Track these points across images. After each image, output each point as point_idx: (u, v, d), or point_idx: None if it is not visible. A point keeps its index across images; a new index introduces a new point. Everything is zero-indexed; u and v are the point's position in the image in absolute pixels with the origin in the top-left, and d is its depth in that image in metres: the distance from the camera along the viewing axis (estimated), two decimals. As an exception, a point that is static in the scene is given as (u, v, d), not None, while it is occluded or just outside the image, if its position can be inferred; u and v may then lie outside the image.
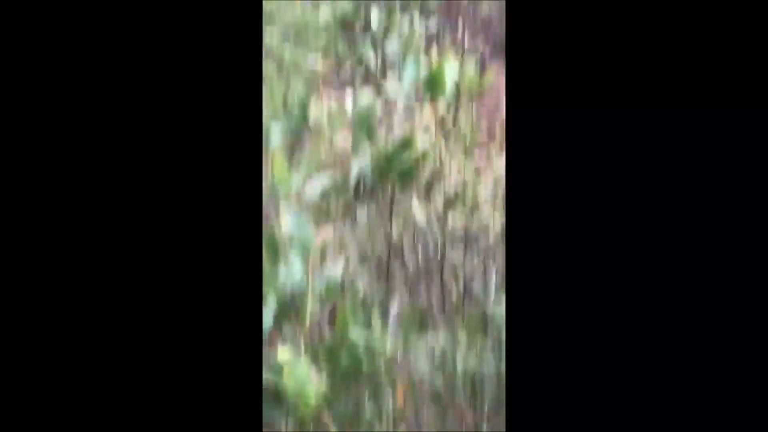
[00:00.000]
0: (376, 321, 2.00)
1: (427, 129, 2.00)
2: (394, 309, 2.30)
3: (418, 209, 1.95)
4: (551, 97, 1.35)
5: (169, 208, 1.35)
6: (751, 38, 1.36)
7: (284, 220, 1.90)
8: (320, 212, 1.99)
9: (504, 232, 2.10)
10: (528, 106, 1.35)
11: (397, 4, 2.57)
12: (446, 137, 2.03)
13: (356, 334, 1.89)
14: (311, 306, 2.00)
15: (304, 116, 1.92)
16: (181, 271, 1.33)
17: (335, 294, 2.25)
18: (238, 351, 1.34)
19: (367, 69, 2.20)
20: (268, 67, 2.52)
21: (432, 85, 2.05)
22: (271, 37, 2.53)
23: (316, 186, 1.92)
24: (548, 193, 1.33)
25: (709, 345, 1.35)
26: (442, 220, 2.03)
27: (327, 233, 1.99)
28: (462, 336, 1.94)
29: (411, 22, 2.48)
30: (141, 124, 1.34)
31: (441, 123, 2.02)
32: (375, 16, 2.43)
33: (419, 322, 2.29)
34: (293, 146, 1.91)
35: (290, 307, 2.01)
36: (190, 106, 1.34)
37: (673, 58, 1.36)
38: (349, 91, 2.00)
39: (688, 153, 1.36)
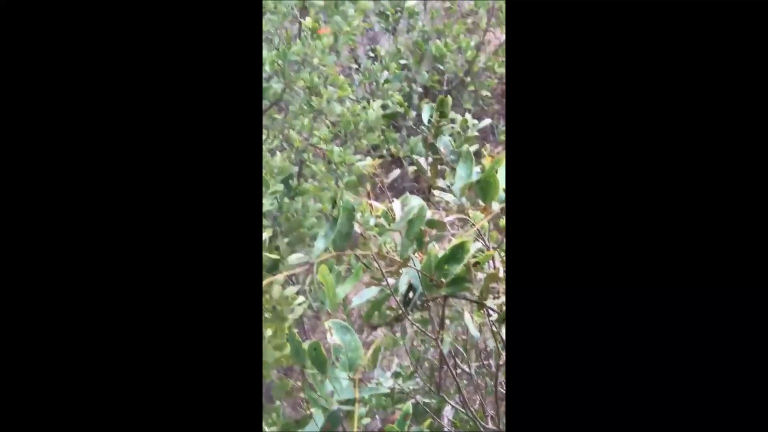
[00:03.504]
0: (427, 435, 1.91)
1: (480, 234, 1.91)
2: (446, 419, 2.20)
3: (469, 320, 1.85)
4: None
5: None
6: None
7: (330, 331, 1.82)
8: (368, 322, 1.91)
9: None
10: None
11: (449, 100, 2.49)
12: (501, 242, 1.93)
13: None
14: (358, 419, 1.91)
15: (351, 221, 1.84)
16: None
17: (385, 405, 2.16)
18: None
19: (418, 169, 2.12)
20: (318, 167, 2.47)
21: (485, 187, 1.96)
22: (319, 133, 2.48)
23: (363, 296, 1.84)
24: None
25: (705, 341, 1.35)
26: (497, 328, 1.93)
27: (375, 343, 1.91)
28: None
29: (464, 119, 2.41)
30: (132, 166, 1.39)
31: (496, 227, 1.92)
32: (426, 112, 2.36)
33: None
34: (339, 253, 1.83)
35: (337, 421, 1.93)
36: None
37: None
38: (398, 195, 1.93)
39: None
